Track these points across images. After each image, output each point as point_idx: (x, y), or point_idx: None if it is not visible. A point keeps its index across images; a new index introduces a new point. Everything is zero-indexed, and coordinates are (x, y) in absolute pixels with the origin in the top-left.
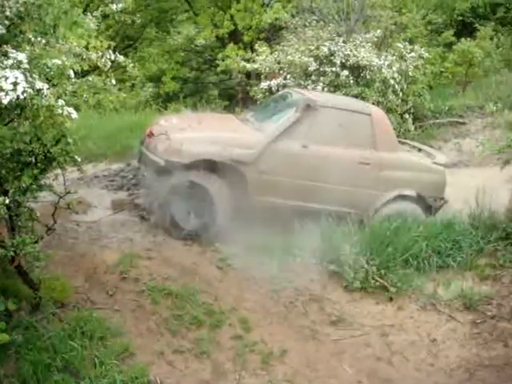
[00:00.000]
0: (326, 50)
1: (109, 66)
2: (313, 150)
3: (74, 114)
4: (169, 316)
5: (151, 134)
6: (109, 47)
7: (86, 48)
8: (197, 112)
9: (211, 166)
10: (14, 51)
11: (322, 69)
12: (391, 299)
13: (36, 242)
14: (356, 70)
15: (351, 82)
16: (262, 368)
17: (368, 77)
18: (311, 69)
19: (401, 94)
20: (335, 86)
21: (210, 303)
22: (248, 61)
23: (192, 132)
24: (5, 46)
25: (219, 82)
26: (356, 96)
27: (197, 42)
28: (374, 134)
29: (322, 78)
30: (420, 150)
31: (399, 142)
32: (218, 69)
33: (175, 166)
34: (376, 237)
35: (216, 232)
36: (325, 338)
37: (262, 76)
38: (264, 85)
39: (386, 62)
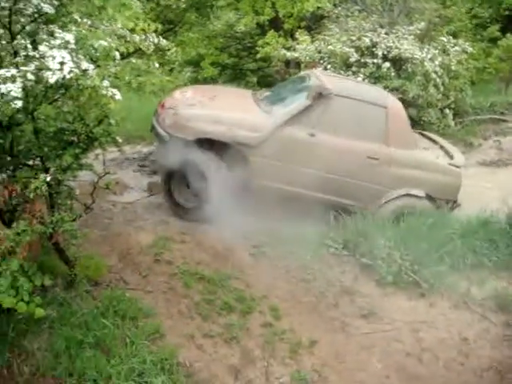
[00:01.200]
0: (368, 41)
1: (152, 49)
2: (320, 139)
3: (118, 96)
4: (200, 300)
5: (163, 107)
6: (156, 30)
7: (133, 30)
8: (217, 86)
9: (215, 146)
10: (60, 31)
11: (362, 60)
12: (423, 295)
13: (74, 220)
14: (397, 62)
15: (392, 74)
16: (291, 357)
17: (409, 70)
18: (352, 60)
19: (442, 89)
20: (376, 78)
21: (241, 289)
22: (288, 49)
23: (200, 109)
24: (51, 25)
25: (257, 70)
26: (397, 89)
27: (236, 29)
28: (387, 128)
29: (362, 70)
30: (442, 147)
31: (423, 135)
32: (258, 56)
33: (179, 142)
34: (411, 232)
35: (212, 213)
36: (355, 331)
37: (302, 65)
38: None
39: (429, 56)
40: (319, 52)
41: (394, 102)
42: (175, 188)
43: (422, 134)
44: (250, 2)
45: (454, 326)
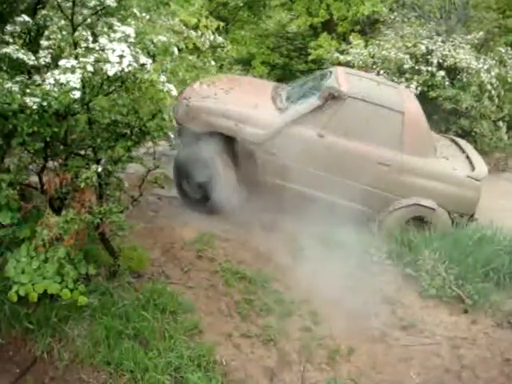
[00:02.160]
0: (423, 48)
1: (207, 46)
2: (329, 141)
3: (174, 91)
4: (240, 299)
5: (180, 97)
6: (218, 27)
7: (196, 26)
8: (244, 77)
9: (223, 140)
10: (119, 24)
11: (417, 67)
12: (466, 311)
13: (121, 212)
14: (452, 71)
15: (446, 83)
16: (328, 363)
17: (464, 79)
18: (406, 66)
19: (497, 101)
20: (429, 86)
21: (281, 292)
22: (341, 52)
23: (212, 102)
24: (110, 18)
25: (307, 71)
26: (450, 98)
27: (288, 29)
28: (401, 134)
29: (416, 77)
30: (468, 157)
31: (454, 141)
32: (310, 57)
33: (187, 133)
34: (457, 245)
35: (216, 206)
36: (394, 342)
37: (355, 69)
38: None
39: (485, 66)
40: (372, 57)
41: (412, 108)
42: (184, 178)
43: (453, 141)
44: (305, 3)
45: (497, 346)
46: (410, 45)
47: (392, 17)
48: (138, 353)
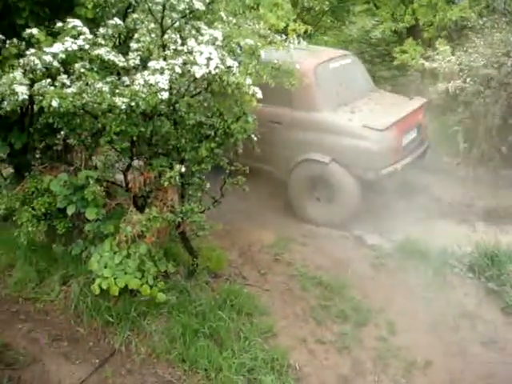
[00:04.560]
0: None
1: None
2: None
3: (260, 94)
4: (316, 305)
5: None
6: (306, 31)
7: (284, 30)
8: None
9: None
10: (206, 28)
11: (505, 80)
12: None
13: (203, 212)
14: None
15: None
16: (403, 375)
17: None
18: (494, 76)
19: None
20: None
21: (358, 299)
22: (426, 59)
23: None
24: (198, 22)
25: (391, 77)
26: None
27: (372, 35)
28: (290, 90)
29: (502, 87)
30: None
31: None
32: (394, 63)
33: None
34: None
35: None
36: (473, 358)
37: (441, 77)
38: (441, 86)
39: None
40: (459, 64)
41: (304, 63)
42: None
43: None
44: (390, 8)
45: None
46: (499, 53)
47: (481, 22)
48: (212, 352)
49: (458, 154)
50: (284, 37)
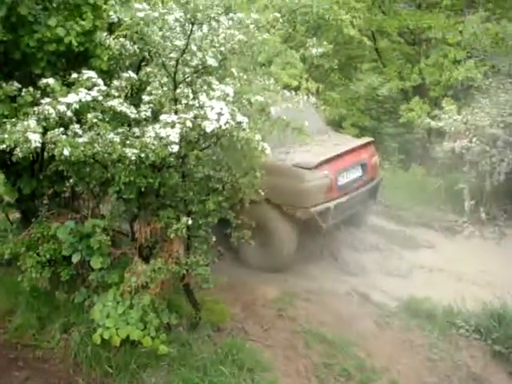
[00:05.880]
0: None
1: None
2: None
3: (268, 150)
4: (319, 362)
5: None
6: (317, 90)
7: (297, 88)
8: None
9: None
10: (217, 83)
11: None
12: None
13: (207, 265)
14: None
15: None
16: None
17: None
18: (499, 136)
19: None
20: None
21: (362, 358)
22: (433, 118)
23: None
24: (209, 77)
25: (396, 135)
26: None
27: (379, 92)
28: None
29: (508, 147)
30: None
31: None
32: (400, 120)
33: None
34: None
35: None
36: None
37: (447, 136)
38: (447, 145)
39: None
40: (465, 123)
41: None
42: None
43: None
44: (397, 67)
45: None
46: (505, 113)
47: (487, 83)
48: None
49: (464, 212)
50: (293, 93)
